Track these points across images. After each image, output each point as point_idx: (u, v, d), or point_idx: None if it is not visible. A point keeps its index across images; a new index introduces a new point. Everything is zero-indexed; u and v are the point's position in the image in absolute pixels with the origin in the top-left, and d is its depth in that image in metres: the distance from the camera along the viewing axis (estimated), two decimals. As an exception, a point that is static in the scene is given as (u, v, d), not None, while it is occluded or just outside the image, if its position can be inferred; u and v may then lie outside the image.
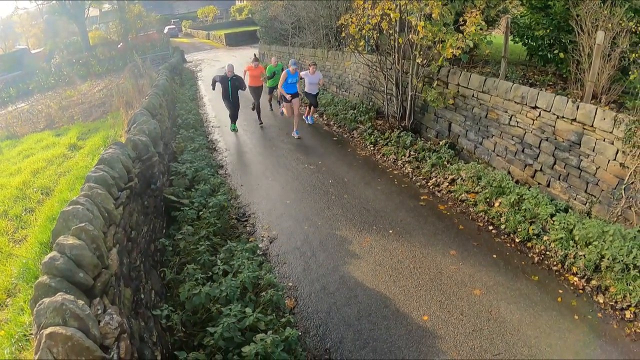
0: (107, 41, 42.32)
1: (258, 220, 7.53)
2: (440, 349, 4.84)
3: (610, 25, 7.06)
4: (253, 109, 13.88)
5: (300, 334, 4.94)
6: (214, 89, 12.82)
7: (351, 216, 7.49)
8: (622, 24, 7.00)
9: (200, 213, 6.88)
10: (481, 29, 8.80)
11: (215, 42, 51.33)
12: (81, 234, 3.29)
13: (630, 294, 5.49)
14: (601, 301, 5.64)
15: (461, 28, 8.67)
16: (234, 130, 13.27)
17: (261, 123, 13.82)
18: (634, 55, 7.03)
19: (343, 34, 12.24)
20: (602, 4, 7.22)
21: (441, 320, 5.25)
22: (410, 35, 9.20)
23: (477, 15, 8.39)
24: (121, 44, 38.87)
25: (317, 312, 5.39)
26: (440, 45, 8.76)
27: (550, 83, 8.33)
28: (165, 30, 52.07)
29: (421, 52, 9.21)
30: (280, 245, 6.81)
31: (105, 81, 28.48)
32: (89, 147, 14.03)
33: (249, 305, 4.85)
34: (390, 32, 9.78)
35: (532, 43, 8.97)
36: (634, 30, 7.04)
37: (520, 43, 9.35)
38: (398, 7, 9.21)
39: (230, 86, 12.10)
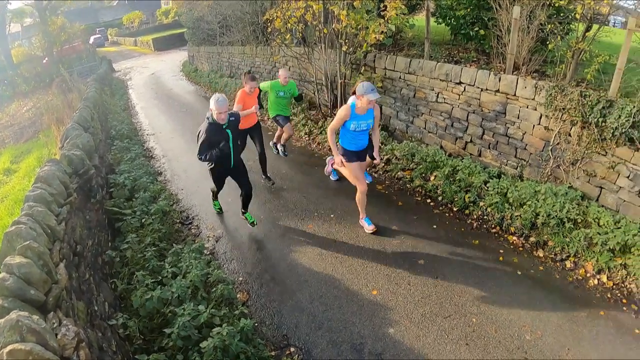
0: (32, 57, 39.91)
1: (202, 221, 7.45)
2: (393, 319, 4.96)
3: (526, 0, 7.48)
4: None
5: (256, 324, 4.95)
6: (204, 159, 6.25)
7: (292, 206, 7.53)
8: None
9: (144, 221, 6.73)
10: (403, 14, 9.04)
11: (143, 48, 49.98)
12: (27, 252, 3.26)
13: (568, 246, 5.91)
14: (541, 255, 6.02)
15: (382, 14, 8.90)
16: (219, 211, 7.76)
17: (272, 182, 8.62)
18: (550, 26, 7.41)
19: (269, 29, 12.23)
20: None
21: (390, 293, 5.38)
22: (334, 25, 9.33)
23: (396, 0, 8.61)
24: (46, 59, 37.17)
25: (270, 302, 5.41)
26: (364, 31, 8.91)
27: (474, 59, 8.67)
28: (91, 41, 50.04)
29: (346, 40, 9.34)
30: (227, 242, 6.77)
31: (33, 99, 27.01)
32: (24, 169, 13.32)
33: (202, 302, 4.84)
34: (315, 23, 9.86)
35: (454, 23, 9.33)
36: (550, 3, 7.43)
37: (444, 24, 9.71)
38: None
39: (232, 139, 6.35)
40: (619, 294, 5.38)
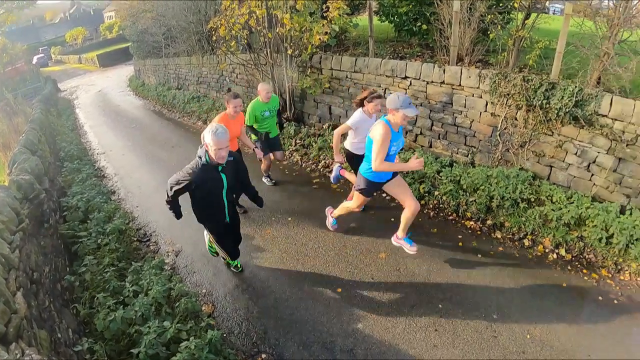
0: (-26, 82, 38.86)
1: (160, 237, 7.25)
2: (360, 314, 4.91)
3: None
4: None
5: (224, 334, 4.81)
6: (175, 210, 5.35)
7: (249, 213, 7.45)
8: None
9: (100, 242, 6.50)
10: (346, 14, 9.10)
11: (89, 65, 48.50)
12: (-19, 283, 3.14)
13: (524, 225, 6.10)
14: (499, 237, 6.17)
15: (325, 15, 8.93)
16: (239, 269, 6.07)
17: (244, 210, 7.52)
18: (490, 17, 7.63)
19: (214, 37, 12.10)
20: None
21: (355, 288, 5.36)
22: (278, 29, 9.29)
23: (338, 1, 8.65)
24: (-12, 83, 35.91)
25: (236, 311, 5.29)
26: (308, 34, 8.91)
27: (419, 54, 8.80)
28: (34, 61, 48.17)
29: (291, 44, 9.31)
30: (187, 256, 6.60)
31: (-24, 128, 26.15)
32: (-28, 201, 12.84)
33: (167, 318, 4.71)
34: (259, 28, 9.79)
35: (397, 20, 9.43)
36: None
37: (387, 21, 9.80)
38: (264, 2, 9.27)
39: (227, 186, 4.88)
40: (578, 265, 5.61)
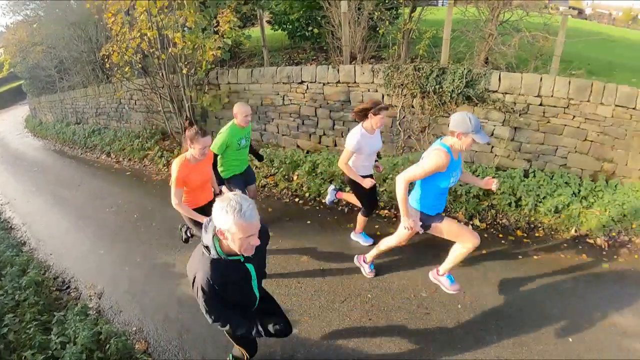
0: None
1: (79, 282, 6.73)
2: (293, 320, 4.71)
3: None
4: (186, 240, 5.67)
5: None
6: (224, 324, 3.02)
7: (166, 241, 7.06)
8: None
9: (18, 297, 6.02)
10: (238, 27, 8.95)
11: (-21, 110, 45.91)
12: None
13: None
14: None
15: (217, 29, 8.75)
16: None
17: None
18: (377, 14, 7.76)
19: (108, 65, 11.62)
20: None
21: (283, 296, 5.10)
22: (171, 49, 9.01)
23: (228, 14, 8.49)
24: None
25: (170, 342, 4.94)
26: (201, 50, 8.70)
27: (314, 57, 8.81)
28: None
29: (186, 63, 9.06)
30: (110, 296, 6.15)
31: None
32: None
33: (100, 364, 4.37)
34: (152, 50, 9.48)
35: (290, 27, 9.43)
36: None
37: (280, 29, 9.75)
38: (155, 23, 8.96)
39: (255, 275, 3.11)
40: (494, 232, 5.84)
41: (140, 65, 10.30)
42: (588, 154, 6.54)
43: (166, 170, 10.00)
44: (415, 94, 6.70)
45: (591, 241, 5.85)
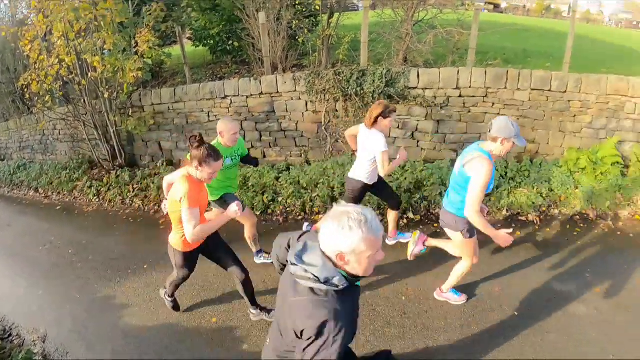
0: None
1: (20, 328, 6.34)
2: (241, 335, 4.57)
3: (270, 4, 7.77)
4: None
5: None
6: None
7: (103, 273, 6.76)
8: (283, 1, 7.78)
9: None
10: (158, 46, 8.77)
11: None
12: None
13: (368, 203, 6.21)
14: None
15: (135, 50, 8.55)
16: None
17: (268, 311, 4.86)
18: (295, 22, 7.77)
19: (28, 95, 11.15)
20: None
21: (228, 314, 4.90)
22: (91, 74, 8.73)
23: (146, 34, 8.30)
24: None
25: None
26: (122, 73, 8.47)
27: (237, 71, 8.71)
28: None
29: (107, 87, 8.80)
30: (54, 338, 5.82)
31: None
32: None
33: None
34: (72, 76, 9.16)
35: (211, 42, 9.26)
36: (293, 3, 7.88)
37: (201, 45, 9.60)
38: (73, 48, 8.65)
39: None
40: (428, 222, 5.99)
41: (61, 93, 9.91)
42: None
43: (97, 200, 9.64)
44: (337, 98, 6.74)
45: (523, 218, 6.13)
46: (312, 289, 1.93)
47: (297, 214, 6.64)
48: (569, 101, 7.01)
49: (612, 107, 7.23)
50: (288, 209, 6.73)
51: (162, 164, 9.02)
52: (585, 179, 6.80)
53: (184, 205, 3.54)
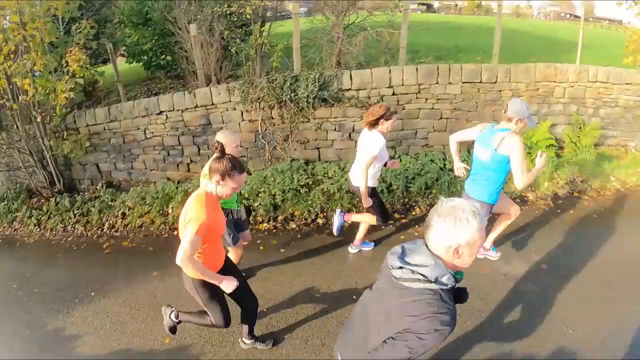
0: None
1: None
2: (195, 352, 4.48)
3: (201, 16, 7.69)
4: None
5: None
6: None
7: (51, 305, 6.46)
8: (214, 12, 7.67)
9: None
10: (90, 64, 8.56)
11: None
12: None
13: (312, 207, 6.31)
14: (294, 226, 6.25)
15: (66, 70, 8.31)
16: None
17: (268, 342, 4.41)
18: (227, 33, 7.71)
19: (-42, 126, 10.67)
20: (192, 2, 7.85)
21: (181, 332, 4.89)
22: (22, 97, 8.43)
23: (76, 52, 8.07)
24: None
25: None
26: (53, 94, 8.21)
27: (172, 86, 8.58)
28: None
29: (40, 110, 8.52)
30: None
31: None
32: None
33: None
34: (3, 101, 8.83)
35: (145, 58, 9.09)
36: (225, 13, 7.81)
37: (135, 62, 9.43)
38: (2, 72, 8.32)
39: None
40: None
41: (-7, 120, 9.58)
42: (446, 130, 6.97)
43: (38, 229, 9.30)
44: (272, 105, 6.71)
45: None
46: (420, 290, 1.91)
47: (245, 223, 6.62)
48: (500, 91, 7.22)
49: (542, 93, 7.49)
50: (233, 222, 6.70)
51: (102, 187, 8.79)
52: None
53: (189, 228, 3.08)
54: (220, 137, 4.34)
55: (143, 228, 7.46)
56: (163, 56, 8.66)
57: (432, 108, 6.91)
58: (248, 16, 7.84)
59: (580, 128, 7.99)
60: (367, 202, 4.72)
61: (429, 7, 40.17)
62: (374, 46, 7.76)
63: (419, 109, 6.90)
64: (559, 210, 6.50)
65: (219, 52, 7.79)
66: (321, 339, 4.36)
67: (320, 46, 7.50)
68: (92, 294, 6.23)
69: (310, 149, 6.93)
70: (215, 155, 3.14)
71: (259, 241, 6.10)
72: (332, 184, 6.34)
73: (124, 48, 9.72)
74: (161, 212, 7.27)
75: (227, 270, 3.59)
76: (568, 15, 42.70)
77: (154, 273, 6.18)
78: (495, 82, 7.15)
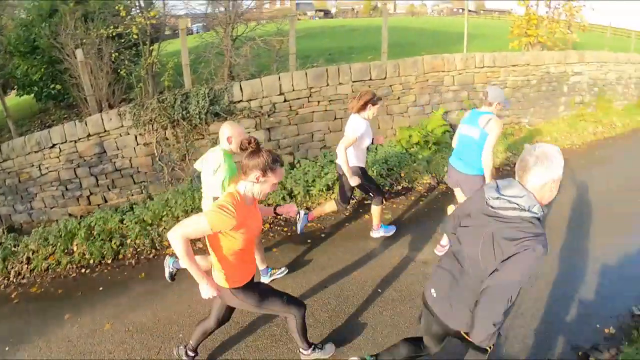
0: None
1: None
2: None
3: (89, 40, 7.45)
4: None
5: None
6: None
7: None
8: (102, 34, 7.45)
9: None
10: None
11: None
12: None
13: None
14: (201, 246, 6.13)
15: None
16: None
17: None
18: (115, 55, 7.51)
19: None
20: (79, 26, 7.56)
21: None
22: None
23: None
24: None
25: None
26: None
27: (65, 116, 8.28)
28: None
29: None
30: None
31: None
32: None
33: None
34: None
35: (35, 88, 8.68)
36: (111, 35, 7.56)
37: (26, 94, 9.01)
38: None
39: None
40: (278, 228, 6.21)
41: None
42: (341, 130, 7.03)
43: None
44: (165, 125, 6.57)
45: (369, 202, 6.29)
46: (516, 217, 2.16)
47: (148, 252, 6.39)
48: (391, 85, 7.45)
49: (432, 84, 7.79)
50: (138, 250, 6.49)
51: (3, 232, 8.36)
52: (420, 153, 7.23)
53: (209, 214, 2.71)
54: (228, 129, 4.08)
55: (50, 271, 7.13)
56: (53, 85, 8.31)
57: (326, 110, 7.04)
58: (135, 36, 7.66)
59: (472, 112, 8.38)
60: (354, 180, 4.88)
61: (327, 13, 40.97)
62: (265, 55, 7.81)
63: (313, 112, 7.02)
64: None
65: (110, 76, 7.58)
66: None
67: (209, 60, 7.45)
68: (7, 348, 5.90)
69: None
70: (249, 150, 2.83)
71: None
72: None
73: (13, 80, 9.29)
74: (66, 251, 6.97)
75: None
76: (461, 11, 44.88)
77: (66, 316, 5.90)
78: (385, 77, 7.37)
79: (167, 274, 4.85)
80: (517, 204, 2.16)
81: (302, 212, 5.32)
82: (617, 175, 7.73)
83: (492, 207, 2.24)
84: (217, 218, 2.67)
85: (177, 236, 2.66)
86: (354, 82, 7.11)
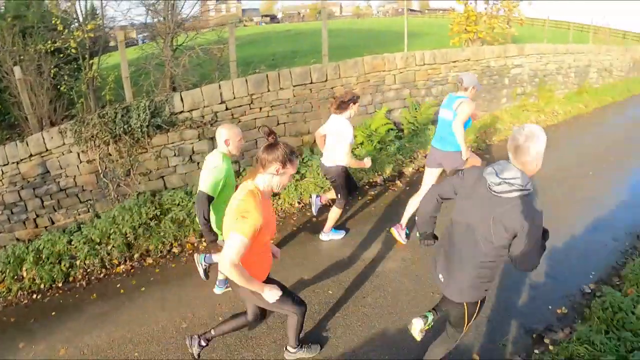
0: None
1: None
2: None
3: (27, 56, 7.30)
4: None
5: None
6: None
7: None
8: (40, 49, 7.30)
9: None
10: None
11: None
12: None
13: (165, 238, 6.28)
14: (152, 261, 6.20)
15: None
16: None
17: None
18: (53, 70, 7.38)
19: None
20: (16, 42, 7.38)
21: None
22: None
23: None
24: None
25: None
26: None
27: (8, 136, 8.06)
28: None
29: None
30: None
31: None
32: None
33: None
34: None
35: (-26, 111, 8.49)
36: (49, 50, 7.40)
37: (-35, 119, 8.78)
38: None
39: None
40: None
41: None
42: (285, 134, 7.21)
43: None
44: (108, 141, 6.47)
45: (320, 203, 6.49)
46: (519, 196, 2.51)
47: (99, 272, 6.29)
48: (332, 88, 7.58)
49: (373, 84, 7.95)
50: (89, 271, 6.39)
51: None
52: (365, 152, 7.35)
53: (240, 227, 2.71)
54: (225, 132, 4.13)
55: (0, 299, 6.96)
56: (-9, 105, 8.12)
57: (268, 116, 7.12)
58: (74, 50, 7.55)
59: (416, 109, 8.53)
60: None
61: (273, 18, 41.31)
62: (207, 64, 7.82)
63: (255, 118, 7.08)
64: (407, 188, 6.97)
65: (51, 93, 7.42)
66: None
67: (150, 72, 7.41)
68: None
69: (155, 179, 6.82)
70: (266, 143, 2.88)
71: (118, 285, 5.89)
72: (180, 210, 6.33)
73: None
74: (15, 277, 6.80)
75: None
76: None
77: (20, 345, 5.76)
78: (326, 80, 7.49)
79: (201, 273, 4.74)
80: (517, 184, 2.51)
81: (314, 196, 5.96)
82: (560, 160, 8.05)
83: (495, 192, 2.56)
84: (248, 226, 2.70)
85: (228, 268, 2.72)
86: (294, 86, 7.21)
